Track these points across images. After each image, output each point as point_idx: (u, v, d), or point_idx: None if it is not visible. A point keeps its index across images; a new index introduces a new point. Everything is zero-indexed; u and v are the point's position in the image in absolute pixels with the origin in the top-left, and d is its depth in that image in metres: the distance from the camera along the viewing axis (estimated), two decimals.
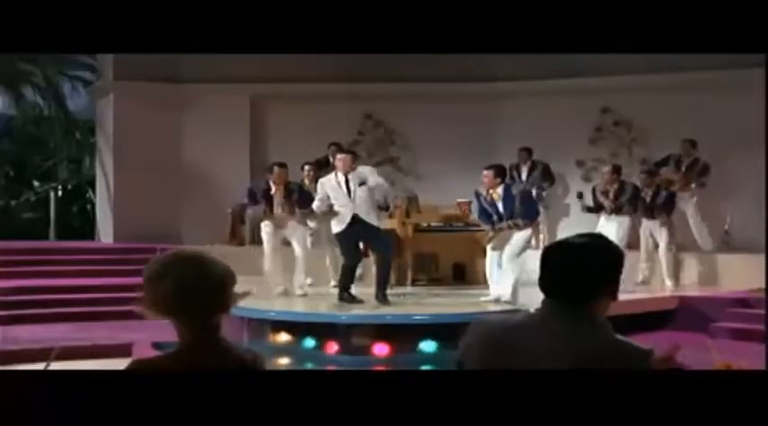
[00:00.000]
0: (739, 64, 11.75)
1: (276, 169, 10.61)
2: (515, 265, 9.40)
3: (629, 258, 11.59)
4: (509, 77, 14.56)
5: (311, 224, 11.28)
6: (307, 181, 11.42)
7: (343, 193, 9.56)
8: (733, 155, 12.76)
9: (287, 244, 10.77)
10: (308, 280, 10.90)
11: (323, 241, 11.36)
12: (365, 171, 9.85)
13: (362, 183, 9.56)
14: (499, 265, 9.64)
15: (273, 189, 10.50)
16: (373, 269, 10.21)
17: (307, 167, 11.75)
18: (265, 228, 10.57)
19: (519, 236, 9.54)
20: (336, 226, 9.71)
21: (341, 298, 9.59)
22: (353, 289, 9.70)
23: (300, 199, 10.53)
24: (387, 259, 9.78)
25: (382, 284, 9.60)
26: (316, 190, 11.07)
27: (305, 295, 10.49)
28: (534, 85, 14.49)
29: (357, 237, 9.75)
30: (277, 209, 10.45)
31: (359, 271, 10.53)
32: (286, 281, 10.52)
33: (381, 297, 9.51)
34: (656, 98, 13.82)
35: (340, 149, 10.18)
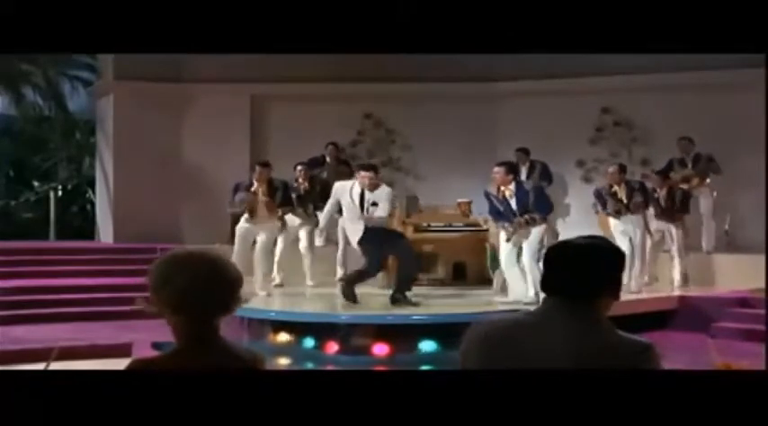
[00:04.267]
0: (739, 64, 11.74)
1: (258, 168, 10.78)
2: (535, 264, 9.33)
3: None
4: (509, 77, 14.55)
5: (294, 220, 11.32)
6: (300, 180, 11.47)
7: (356, 206, 9.46)
8: (733, 156, 12.74)
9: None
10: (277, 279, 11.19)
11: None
12: (383, 195, 9.52)
13: (374, 204, 9.42)
14: (518, 262, 9.60)
15: (256, 186, 10.54)
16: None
17: (299, 167, 11.77)
18: (239, 231, 10.57)
19: (533, 237, 9.50)
20: (353, 235, 9.55)
21: (345, 295, 9.44)
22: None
23: (284, 196, 10.61)
24: (409, 263, 9.55)
25: (403, 286, 9.43)
26: (307, 190, 11.15)
27: (268, 294, 10.49)
28: (534, 85, 14.48)
29: (379, 242, 9.46)
30: (260, 207, 10.48)
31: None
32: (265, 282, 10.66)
33: (400, 298, 9.35)
34: (656, 98, 13.81)
35: (366, 167, 9.92)
